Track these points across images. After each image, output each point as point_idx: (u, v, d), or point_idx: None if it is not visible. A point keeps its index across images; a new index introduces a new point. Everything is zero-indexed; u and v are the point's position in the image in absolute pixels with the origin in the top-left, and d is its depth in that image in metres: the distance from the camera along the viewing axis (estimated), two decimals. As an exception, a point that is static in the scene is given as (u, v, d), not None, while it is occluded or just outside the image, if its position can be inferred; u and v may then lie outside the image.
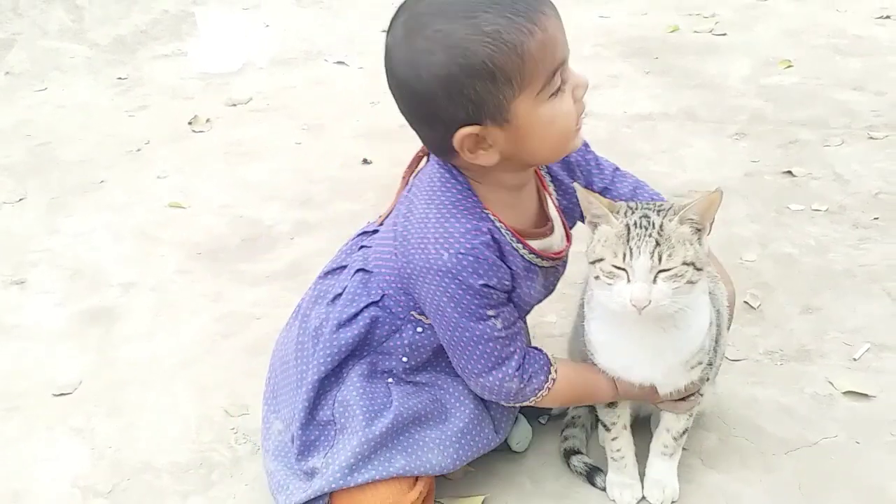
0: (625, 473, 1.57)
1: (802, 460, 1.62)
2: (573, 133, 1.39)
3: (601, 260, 1.33)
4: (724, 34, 3.75)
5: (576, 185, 1.40)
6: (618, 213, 1.34)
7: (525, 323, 1.61)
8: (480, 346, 1.43)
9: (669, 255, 1.29)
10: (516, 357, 1.45)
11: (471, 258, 1.37)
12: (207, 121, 3.27)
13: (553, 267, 1.54)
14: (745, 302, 2.04)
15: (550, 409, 1.71)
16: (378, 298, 1.54)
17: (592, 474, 1.60)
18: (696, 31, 3.81)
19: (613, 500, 1.57)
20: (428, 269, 1.40)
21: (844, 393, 1.76)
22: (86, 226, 2.61)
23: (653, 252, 1.29)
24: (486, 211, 1.42)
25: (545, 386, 1.48)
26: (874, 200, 2.42)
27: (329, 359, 1.54)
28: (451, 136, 1.32)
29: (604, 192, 1.60)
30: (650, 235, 1.30)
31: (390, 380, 1.56)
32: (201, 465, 1.71)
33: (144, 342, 2.08)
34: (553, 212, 1.56)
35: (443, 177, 1.43)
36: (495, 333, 1.42)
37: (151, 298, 2.24)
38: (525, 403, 1.51)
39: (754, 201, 2.47)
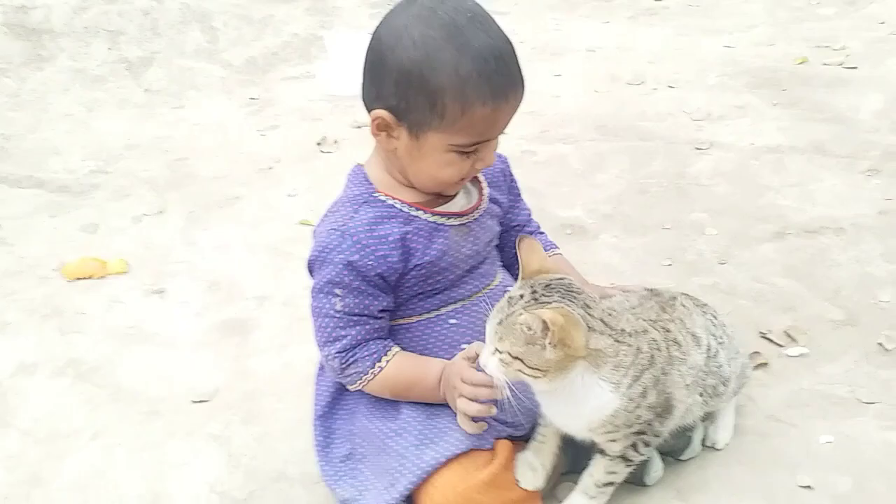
0: (538, 454, 1.57)
1: (943, 511, 1.57)
2: (451, 186, 1.54)
3: None
4: (855, 67, 3.66)
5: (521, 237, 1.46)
6: (524, 279, 1.43)
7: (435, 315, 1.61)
8: (319, 320, 1.54)
9: (500, 339, 1.36)
10: (345, 341, 1.54)
11: (338, 234, 1.49)
12: (335, 142, 3.36)
13: (465, 224, 1.58)
14: (880, 344, 1.99)
15: (684, 449, 1.71)
16: None
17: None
18: (825, 64, 3.72)
19: (518, 479, 1.55)
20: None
21: None
22: (222, 239, 2.72)
23: (494, 330, 1.38)
24: (377, 193, 1.53)
25: (367, 374, 1.56)
26: None
27: (320, 399, 1.68)
28: (374, 105, 1.44)
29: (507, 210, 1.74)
30: (501, 311, 1.38)
31: None
32: (331, 478, 1.76)
33: (277, 354, 2.15)
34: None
35: (352, 172, 1.59)
36: (332, 311, 1.52)
37: (284, 312, 2.32)
38: (352, 387, 1.58)
39: (889, 240, 2.40)
